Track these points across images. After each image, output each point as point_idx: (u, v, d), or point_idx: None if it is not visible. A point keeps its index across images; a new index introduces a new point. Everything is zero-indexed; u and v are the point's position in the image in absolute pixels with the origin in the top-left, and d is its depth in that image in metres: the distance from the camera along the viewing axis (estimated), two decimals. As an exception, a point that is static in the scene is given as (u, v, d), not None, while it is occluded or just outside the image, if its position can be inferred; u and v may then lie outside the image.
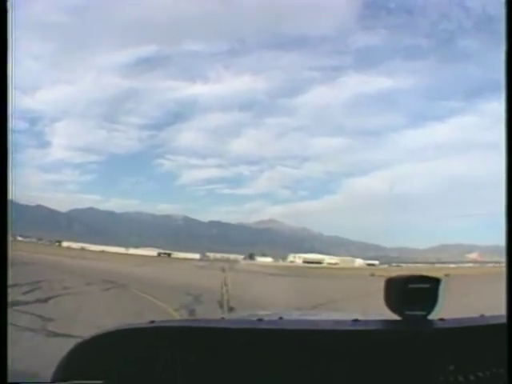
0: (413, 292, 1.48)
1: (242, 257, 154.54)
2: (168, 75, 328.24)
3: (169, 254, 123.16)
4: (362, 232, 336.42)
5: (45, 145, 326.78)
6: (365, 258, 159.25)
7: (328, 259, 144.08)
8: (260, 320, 1.53)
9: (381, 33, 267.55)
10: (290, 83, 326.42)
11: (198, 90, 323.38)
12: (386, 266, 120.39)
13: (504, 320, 1.26)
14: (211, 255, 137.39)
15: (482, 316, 1.65)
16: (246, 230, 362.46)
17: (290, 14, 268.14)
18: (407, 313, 1.50)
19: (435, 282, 1.52)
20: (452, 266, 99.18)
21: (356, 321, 1.52)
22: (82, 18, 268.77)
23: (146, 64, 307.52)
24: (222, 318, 1.81)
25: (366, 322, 1.57)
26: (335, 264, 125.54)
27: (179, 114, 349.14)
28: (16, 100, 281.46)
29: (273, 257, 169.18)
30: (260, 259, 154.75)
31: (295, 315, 2.50)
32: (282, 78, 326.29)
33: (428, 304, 1.51)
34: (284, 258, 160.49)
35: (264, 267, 66.71)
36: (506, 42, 1.06)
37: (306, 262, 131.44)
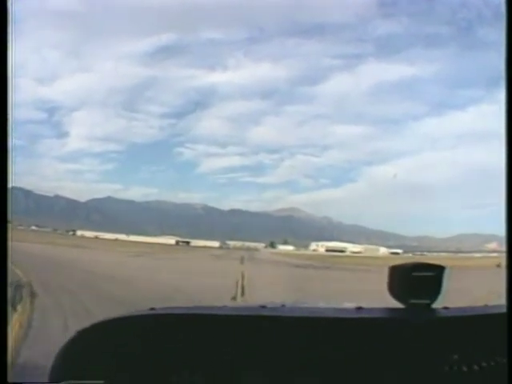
0: (417, 280, 1.52)
1: (263, 245, 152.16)
2: (187, 63, 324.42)
3: (187, 243, 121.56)
4: (382, 220, 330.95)
5: (63, 135, 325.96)
6: (385, 247, 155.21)
7: (351, 247, 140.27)
8: (263, 307, 1.56)
9: (401, 20, 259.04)
10: (310, 71, 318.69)
11: (217, 78, 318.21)
12: (410, 254, 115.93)
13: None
14: (231, 243, 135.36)
15: (485, 305, 1.71)
16: (267, 219, 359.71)
17: (310, 1, 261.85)
18: (411, 301, 1.54)
19: (440, 270, 1.55)
20: (477, 255, 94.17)
21: (359, 309, 1.56)
22: (99, 6, 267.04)
23: (165, 52, 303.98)
24: (225, 306, 1.71)
25: (370, 310, 1.59)
26: (358, 253, 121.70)
27: (199, 103, 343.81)
28: (33, 90, 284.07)
29: (294, 245, 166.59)
30: (281, 247, 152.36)
31: (298, 302, 2.22)
32: (302, 65, 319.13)
33: (432, 292, 1.56)
34: (306, 247, 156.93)
35: (287, 256, 63.79)
36: (506, 41, 1.25)
37: (328, 250, 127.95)
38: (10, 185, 1.33)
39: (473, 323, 1.50)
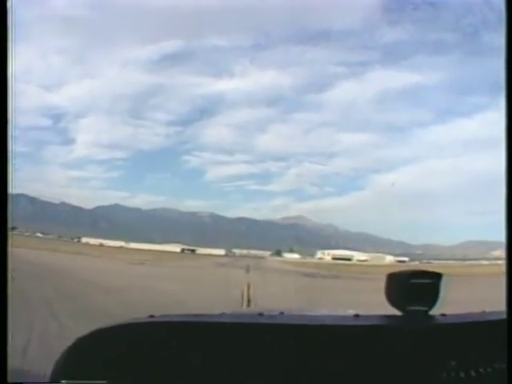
0: (415, 287, 1.52)
1: (269, 253, 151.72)
2: (193, 70, 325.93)
3: (193, 250, 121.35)
4: (389, 228, 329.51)
5: (69, 141, 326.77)
6: (392, 255, 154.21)
7: (357, 256, 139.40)
8: (261, 314, 1.56)
9: (407, 27, 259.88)
10: (316, 78, 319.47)
11: (224, 85, 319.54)
12: (416, 262, 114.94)
13: (505, 316, 1.36)
14: (237, 251, 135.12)
15: (483, 312, 1.71)
16: (273, 227, 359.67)
17: (316, 8, 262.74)
18: (409, 308, 1.55)
19: (437, 277, 1.56)
20: (484, 262, 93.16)
21: (357, 316, 1.56)
22: (105, 12, 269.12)
23: (171, 59, 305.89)
24: (223, 313, 1.70)
25: (367, 317, 1.59)
26: (365, 261, 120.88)
27: (205, 110, 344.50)
28: (40, 96, 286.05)
29: (300, 253, 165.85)
30: (288, 255, 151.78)
31: (296, 310, 2.29)
32: (308, 72, 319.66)
33: (430, 299, 1.57)
34: (312, 255, 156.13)
35: (293, 265, 63.37)
36: (505, 41, 1.26)
37: (334, 258, 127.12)
38: (12, 191, 1.31)
39: (470, 330, 1.50)
